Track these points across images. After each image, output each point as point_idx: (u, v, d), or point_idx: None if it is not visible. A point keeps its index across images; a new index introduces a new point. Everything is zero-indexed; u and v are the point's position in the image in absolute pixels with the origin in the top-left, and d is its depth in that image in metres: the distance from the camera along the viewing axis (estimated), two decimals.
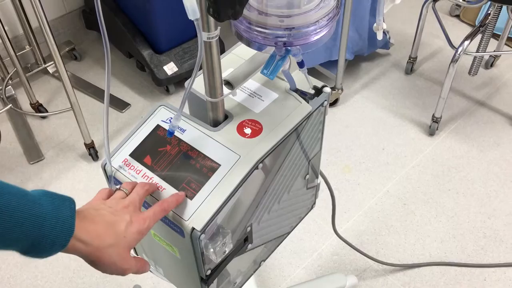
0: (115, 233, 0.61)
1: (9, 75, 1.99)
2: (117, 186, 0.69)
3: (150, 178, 0.74)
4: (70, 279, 1.51)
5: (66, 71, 1.60)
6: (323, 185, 1.05)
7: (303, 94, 0.83)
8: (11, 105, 1.92)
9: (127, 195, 0.67)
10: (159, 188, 0.73)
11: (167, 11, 1.88)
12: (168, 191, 0.72)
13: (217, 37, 0.66)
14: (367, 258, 1.48)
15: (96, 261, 0.60)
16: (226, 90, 0.77)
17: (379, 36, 0.81)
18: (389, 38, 2.15)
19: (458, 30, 2.32)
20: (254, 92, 0.83)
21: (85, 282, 1.51)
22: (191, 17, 0.58)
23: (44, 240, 0.53)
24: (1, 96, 2.02)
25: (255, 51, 0.77)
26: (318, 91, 0.84)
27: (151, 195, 0.72)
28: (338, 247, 1.56)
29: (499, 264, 1.52)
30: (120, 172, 0.76)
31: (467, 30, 2.32)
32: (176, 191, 0.72)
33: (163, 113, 0.80)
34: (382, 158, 1.82)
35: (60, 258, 1.55)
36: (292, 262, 1.54)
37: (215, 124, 0.79)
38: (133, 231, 0.62)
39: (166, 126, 0.78)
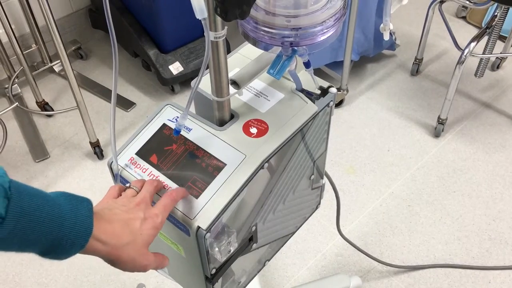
0: (131, 231, 0.62)
1: (16, 74, 2.00)
2: (127, 185, 0.70)
3: (156, 177, 0.74)
4: (75, 277, 1.52)
5: (72, 70, 1.61)
6: (327, 186, 1.05)
7: (309, 95, 0.83)
8: (17, 103, 1.93)
9: (137, 193, 0.68)
10: (165, 187, 0.73)
11: (173, 11, 1.88)
12: None
13: (224, 37, 0.67)
14: (371, 259, 1.48)
15: (115, 260, 0.60)
16: (232, 89, 0.77)
17: (386, 37, 0.81)
18: (395, 39, 2.15)
19: (465, 32, 2.32)
20: (260, 92, 0.83)
21: (90, 280, 1.51)
22: (198, 16, 0.58)
23: (64, 240, 0.54)
24: (8, 95, 2.03)
25: (262, 51, 0.77)
26: (324, 91, 0.84)
27: (157, 194, 0.72)
28: (342, 248, 1.56)
29: (504, 266, 1.51)
30: (126, 170, 0.76)
31: (474, 31, 2.31)
32: None
33: (169, 112, 0.80)
34: (387, 159, 1.82)
35: None
36: (296, 262, 1.54)
37: (221, 123, 0.79)
38: (148, 227, 0.63)
39: (172, 125, 0.78)
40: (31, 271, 1.54)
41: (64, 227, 0.54)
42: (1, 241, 0.50)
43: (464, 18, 2.41)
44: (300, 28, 0.66)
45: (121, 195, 0.69)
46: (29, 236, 0.51)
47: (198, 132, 0.77)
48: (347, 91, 1.99)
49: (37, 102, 2.01)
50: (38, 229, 0.52)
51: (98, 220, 0.58)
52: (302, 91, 0.83)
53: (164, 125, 0.79)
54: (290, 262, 1.54)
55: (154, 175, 0.74)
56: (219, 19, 0.63)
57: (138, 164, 0.76)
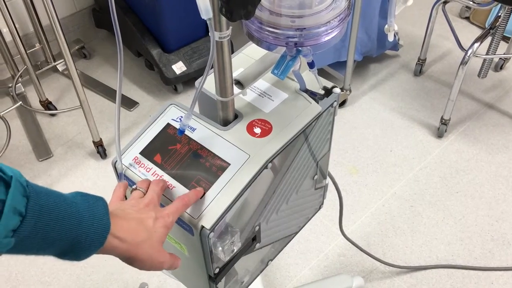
0: (146, 229, 0.62)
1: (19, 73, 2.00)
2: (133, 186, 0.70)
3: (160, 176, 0.74)
4: (78, 276, 1.52)
5: (75, 69, 1.61)
6: (330, 186, 1.05)
7: (312, 95, 0.83)
8: (21, 102, 1.93)
9: (144, 194, 0.69)
10: (169, 186, 0.73)
11: (177, 10, 1.88)
12: (178, 189, 0.73)
13: (229, 37, 0.67)
14: (374, 259, 1.48)
15: (133, 257, 0.61)
16: (236, 89, 0.77)
17: (390, 38, 0.81)
18: (398, 39, 2.15)
19: (468, 32, 2.31)
20: (264, 92, 0.83)
21: (92, 279, 1.51)
22: (204, 16, 0.58)
23: (83, 238, 0.54)
24: (11, 94, 2.03)
25: (266, 51, 0.77)
26: (328, 91, 0.84)
27: (164, 196, 0.72)
28: (344, 248, 1.56)
29: (506, 267, 1.51)
30: (130, 170, 0.76)
31: (477, 32, 2.31)
32: (186, 190, 0.72)
33: (174, 112, 0.81)
34: (389, 160, 1.82)
35: None
36: (298, 262, 1.54)
37: (225, 123, 0.79)
38: (160, 226, 0.64)
39: (176, 125, 0.79)
40: (34, 269, 1.54)
41: (83, 225, 0.54)
42: (22, 241, 0.50)
43: (467, 18, 2.41)
44: (305, 28, 0.66)
45: (126, 197, 0.70)
46: (49, 234, 0.51)
47: (202, 132, 0.78)
48: (350, 91, 1.99)
49: (40, 101, 2.02)
50: (58, 227, 0.52)
51: (113, 218, 0.59)
52: (306, 91, 0.83)
53: (168, 124, 0.79)
54: (292, 262, 1.54)
55: (158, 175, 0.74)
56: (224, 19, 0.64)
57: (142, 163, 0.76)
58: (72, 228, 0.53)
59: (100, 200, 0.58)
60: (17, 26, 1.86)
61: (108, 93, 2.10)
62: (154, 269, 0.64)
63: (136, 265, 0.62)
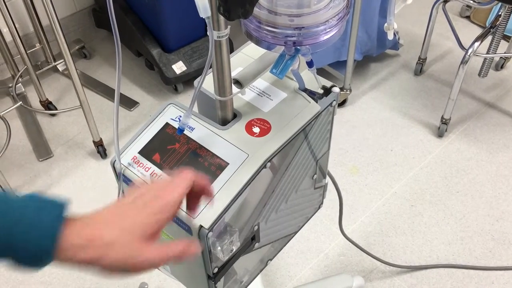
0: (119, 227, 0.50)
1: (20, 73, 2.00)
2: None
3: (159, 176, 0.74)
4: (78, 276, 1.52)
5: (75, 69, 1.61)
6: (330, 186, 1.05)
7: (311, 94, 0.83)
8: (21, 102, 1.94)
9: None
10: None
11: (177, 10, 1.88)
12: None
13: (227, 36, 0.67)
14: (374, 259, 1.48)
15: (102, 266, 0.49)
16: (235, 89, 0.77)
17: (390, 36, 0.81)
18: (399, 38, 2.14)
19: (469, 31, 2.31)
20: (263, 91, 0.83)
21: (92, 279, 1.51)
22: (202, 15, 0.58)
23: (19, 250, 0.46)
24: (12, 94, 2.03)
25: (264, 50, 0.77)
26: (327, 91, 0.84)
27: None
28: (344, 248, 1.56)
29: (507, 267, 1.51)
30: (129, 169, 0.76)
31: (478, 31, 2.30)
32: None
33: (173, 111, 0.81)
34: (390, 159, 1.82)
35: None
36: (298, 262, 1.54)
37: (224, 122, 0.79)
38: (148, 213, 0.51)
39: (175, 124, 0.79)
40: None
41: (16, 235, 0.46)
42: None
43: (468, 17, 2.41)
44: (303, 27, 0.66)
45: None
46: None
47: (201, 131, 0.78)
48: (350, 90, 1.98)
49: (40, 101, 2.02)
50: None
51: (72, 225, 0.48)
52: (305, 90, 0.83)
53: (167, 124, 0.79)
54: (292, 262, 1.54)
55: (156, 174, 0.74)
56: (222, 18, 0.63)
57: (141, 163, 0.76)
58: (5, 236, 0.45)
59: (54, 204, 0.48)
60: (17, 26, 1.86)
61: (108, 93, 2.10)
62: (142, 271, 0.51)
63: (111, 274, 0.50)
